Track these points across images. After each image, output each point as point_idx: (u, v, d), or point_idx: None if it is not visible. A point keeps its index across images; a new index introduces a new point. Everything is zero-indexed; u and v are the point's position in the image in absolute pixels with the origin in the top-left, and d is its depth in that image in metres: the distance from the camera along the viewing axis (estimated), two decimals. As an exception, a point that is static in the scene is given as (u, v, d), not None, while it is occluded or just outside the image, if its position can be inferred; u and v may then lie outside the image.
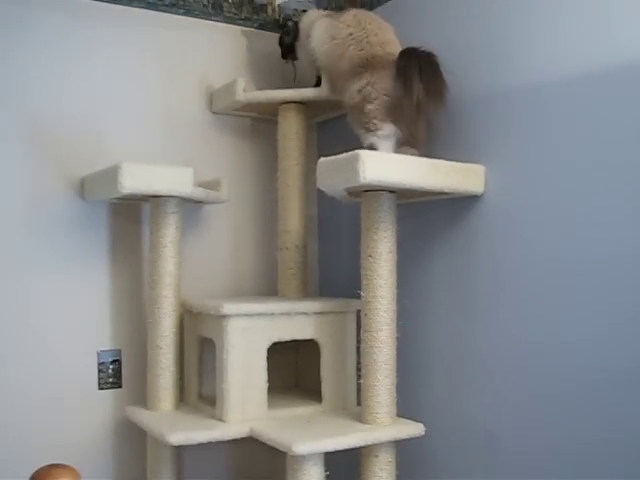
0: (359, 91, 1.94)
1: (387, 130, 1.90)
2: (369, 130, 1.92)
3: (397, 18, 2.11)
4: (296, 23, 2.27)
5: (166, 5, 2.31)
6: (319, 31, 2.11)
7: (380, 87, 1.91)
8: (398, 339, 1.92)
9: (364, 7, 2.26)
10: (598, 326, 1.62)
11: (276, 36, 2.36)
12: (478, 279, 1.93)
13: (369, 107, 1.91)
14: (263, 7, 2.49)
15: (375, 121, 1.91)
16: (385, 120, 1.90)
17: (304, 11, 2.44)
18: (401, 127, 1.91)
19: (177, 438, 1.85)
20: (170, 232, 2.05)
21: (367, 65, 1.95)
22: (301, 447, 1.74)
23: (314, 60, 2.15)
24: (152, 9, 2.29)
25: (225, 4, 2.41)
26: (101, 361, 2.19)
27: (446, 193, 1.87)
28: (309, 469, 1.79)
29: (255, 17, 2.47)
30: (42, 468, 1.05)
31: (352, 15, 2.06)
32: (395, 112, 1.90)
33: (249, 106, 2.31)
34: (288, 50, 2.30)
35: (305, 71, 2.32)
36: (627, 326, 1.56)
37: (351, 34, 2.01)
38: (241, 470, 2.42)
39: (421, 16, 2.14)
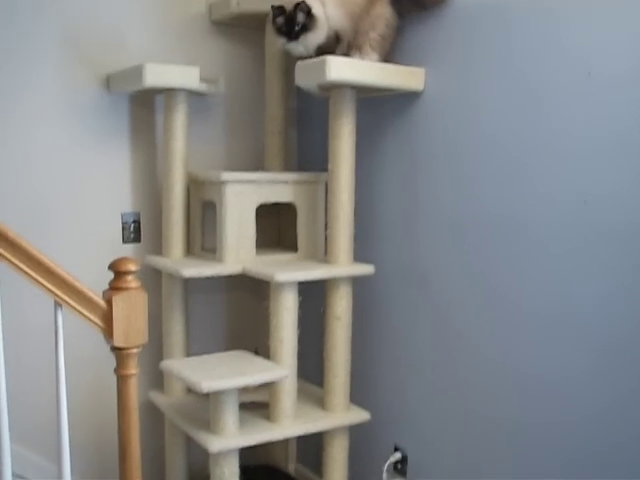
0: (368, 21, 2.27)
1: (372, 59, 2.26)
2: (360, 51, 2.27)
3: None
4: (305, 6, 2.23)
5: None
6: (332, 8, 2.27)
7: (382, 17, 2.25)
8: (356, 201, 2.35)
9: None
10: (512, 191, 2.02)
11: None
12: (418, 154, 2.32)
13: (372, 35, 2.25)
14: None
15: (368, 49, 2.26)
16: (374, 51, 2.26)
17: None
18: (384, 54, 2.28)
19: (189, 272, 2.33)
20: (180, 117, 2.46)
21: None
22: (281, 276, 2.24)
23: (332, 35, 2.29)
24: None
25: None
26: (124, 221, 2.62)
27: (394, 90, 2.30)
28: (287, 294, 2.29)
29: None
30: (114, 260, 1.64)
31: None
32: (385, 45, 2.27)
33: (241, 16, 2.63)
34: (299, 32, 2.24)
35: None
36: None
37: None
38: (232, 305, 2.92)
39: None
